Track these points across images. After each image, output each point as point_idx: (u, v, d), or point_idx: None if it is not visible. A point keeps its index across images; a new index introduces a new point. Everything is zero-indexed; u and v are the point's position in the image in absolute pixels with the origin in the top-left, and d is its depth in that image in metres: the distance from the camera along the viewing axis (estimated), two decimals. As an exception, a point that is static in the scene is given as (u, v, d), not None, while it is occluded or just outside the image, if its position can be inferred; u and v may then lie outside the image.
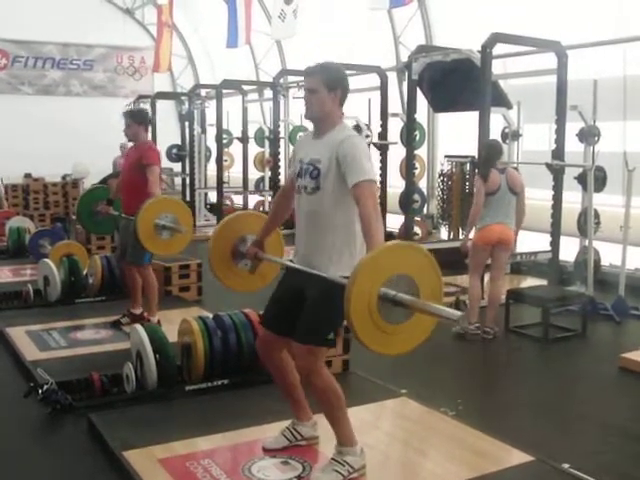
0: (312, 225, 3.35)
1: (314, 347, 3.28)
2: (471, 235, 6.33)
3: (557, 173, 7.62)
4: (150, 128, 14.14)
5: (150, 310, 6.06)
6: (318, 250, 3.32)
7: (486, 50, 7.05)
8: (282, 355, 3.58)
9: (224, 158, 13.87)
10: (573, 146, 7.60)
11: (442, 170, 10.32)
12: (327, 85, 3.31)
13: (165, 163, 15.53)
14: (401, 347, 2.92)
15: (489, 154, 6.32)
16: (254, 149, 14.18)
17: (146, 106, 14.49)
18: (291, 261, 3.52)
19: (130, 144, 6.28)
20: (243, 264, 3.79)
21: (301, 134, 3.67)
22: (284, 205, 3.74)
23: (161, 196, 5.91)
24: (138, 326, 4.74)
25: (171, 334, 4.91)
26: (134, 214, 5.60)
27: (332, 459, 3.38)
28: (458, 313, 2.74)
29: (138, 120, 6.04)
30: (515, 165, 8.72)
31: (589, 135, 7.39)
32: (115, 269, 7.34)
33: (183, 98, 15.10)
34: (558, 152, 7.57)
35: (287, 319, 3.41)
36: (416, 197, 9.65)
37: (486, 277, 6.69)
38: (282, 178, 11.84)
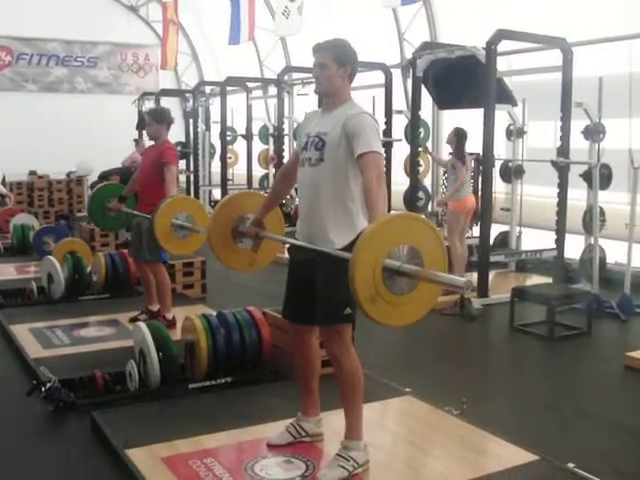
0: (314, 197, 3.37)
1: (336, 326, 3.31)
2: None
3: (562, 170, 7.60)
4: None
5: (164, 307, 6.10)
6: (320, 223, 3.34)
7: (491, 47, 7.02)
8: (312, 342, 3.63)
9: (228, 155, 13.87)
10: (578, 143, 7.57)
11: (447, 168, 10.31)
12: (337, 61, 3.35)
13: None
14: (407, 318, 2.92)
15: (463, 142, 7.72)
16: (258, 146, 14.16)
17: (150, 103, 14.55)
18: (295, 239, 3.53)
19: (148, 143, 6.32)
20: (244, 244, 3.80)
21: (309, 111, 3.70)
22: (285, 182, 3.80)
23: (178, 195, 5.92)
24: (141, 324, 4.74)
25: (174, 332, 4.87)
26: (149, 212, 5.62)
27: (337, 455, 3.38)
28: (462, 279, 2.74)
29: (158, 119, 6.08)
30: (520, 162, 8.72)
31: (594, 132, 7.36)
32: (119, 266, 7.37)
33: (187, 95, 15.12)
34: (563, 149, 7.54)
35: (304, 308, 3.43)
36: (420, 194, 9.63)
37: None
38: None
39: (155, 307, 6.21)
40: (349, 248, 2.99)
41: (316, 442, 3.72)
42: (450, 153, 8.11)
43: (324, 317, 3.35)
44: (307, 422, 3.73)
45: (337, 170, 3.30)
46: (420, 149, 8.90)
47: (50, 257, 7.33)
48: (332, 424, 3.65)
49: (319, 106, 3.63)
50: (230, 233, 3.80)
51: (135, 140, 13.06)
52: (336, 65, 3.35)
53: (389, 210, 9.36)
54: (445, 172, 10.25)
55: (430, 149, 9.81)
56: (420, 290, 2.85)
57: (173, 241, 5.50)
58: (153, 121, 6.08)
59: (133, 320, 6.05)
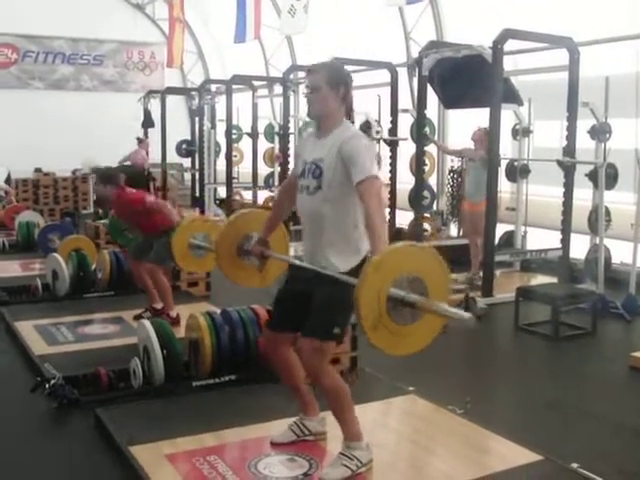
0: (315, 225, 3.35)
1: (320, 342, 3.26)
2: None
3: (568, 170, 7.57)
4: (160, 124, 14.23)
5: (167, 306, 6.12)
6: (322, 252, 3.31)
7: (497, 46, 7.00)
8: (288, 349, 3.57)
9: (234, 154, 13.86)
10: (584, 143, 7.55)
11: (452, 167, 10.30)
12: (329, 83, 3.30)
13: (175, 158, 15.70)
14: (410, 348, 2.93)
15: None
16: (264, 145, 14.16)
17: (156, 101, 14.57)
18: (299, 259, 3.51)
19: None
20: (250, 261, 3.81)
21: (305, 133, 3.70)
22: (285, 203, 3.77)
23: (195, 216, 6.00)
24: (145, 321, 4.74)
25: (179, 329, 4.87)
26: (165, 231, 5.79)
27: (340, 454, 3.37)
28: (467, 315, 2.73)
29: (105, 180, 6.03)
30: (525, 161, 8.70)
31: (600, 132, 7.34)
32: (124, 264, 7.36)
33: (193, 93, 15.13)
34: (569, 149, 7.52)
35: (292, 318, 3.40)
36: (426, 193, 9.59)
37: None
38: (291, 174, 11.81)
39: (159, 305, 6.21)
40: (353, 272, 3.05)
41: (319, 441, 3.72)
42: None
43: (314, 330, 3.28)
44: (310, 421, 3.72)
45: (335, 197, 3.26)
46: (427, 140, 8.86)
47: (55, 254, 7.34)
48: (334, 423, 3.64)
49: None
50: (236, 251, 3.84)
51: (138, 138, 13.08)
52: (329, 87, 3.29)
53: (394, 208, 9.38)
54: (451, 171, 10.25)
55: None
56: (424, 320, 2.85)
57: (189, 259, 5.54)
58: (100, 182, 6.06)
59: (137, 317, 6.05)
